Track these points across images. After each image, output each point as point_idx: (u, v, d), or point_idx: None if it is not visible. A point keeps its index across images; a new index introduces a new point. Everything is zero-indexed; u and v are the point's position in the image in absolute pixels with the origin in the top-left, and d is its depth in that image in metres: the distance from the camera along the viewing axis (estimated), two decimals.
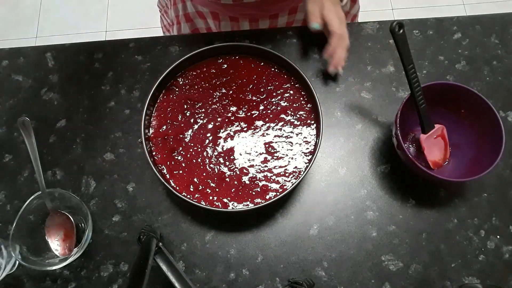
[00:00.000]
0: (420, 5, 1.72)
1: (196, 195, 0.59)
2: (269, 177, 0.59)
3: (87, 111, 0.69)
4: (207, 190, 0.59)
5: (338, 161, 0.65)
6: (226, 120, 0.63)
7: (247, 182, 0.59)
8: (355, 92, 0.69)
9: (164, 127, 0.63)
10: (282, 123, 0.63)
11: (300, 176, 0.58)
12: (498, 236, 0.60)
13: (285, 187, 0.59)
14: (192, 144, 0.62)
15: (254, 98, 0.64)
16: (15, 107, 0.69)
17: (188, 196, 0.58)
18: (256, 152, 0.61)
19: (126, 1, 1.78)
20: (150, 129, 0.62)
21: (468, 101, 0.59)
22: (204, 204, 0.57)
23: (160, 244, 0.55)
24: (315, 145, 0.61)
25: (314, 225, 0.61)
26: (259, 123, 0.63)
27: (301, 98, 0.64)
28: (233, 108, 0.64)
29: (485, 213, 0.61)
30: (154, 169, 0.57)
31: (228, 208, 0.58)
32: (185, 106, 0.64)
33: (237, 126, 0.63)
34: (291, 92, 0.64)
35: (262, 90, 0.65)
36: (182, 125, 0.63)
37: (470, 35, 0.72)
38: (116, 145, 0.66)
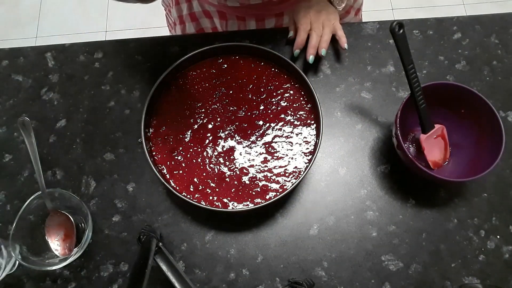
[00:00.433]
0: (420, 5, 1.71)
1: (196, 195, 0.59)
2: (269, 177, 0.59)
3: (87, 111, 0.69)
4: (207, 190, 0.59)
5: (338, 161, 0.65)
6: (226, 120, 0.63)
7: (247, 182, 0.59)
8: (355, 92, 0.69)
9: (164, 127, 0.63)
10: (282, 123, 0.63)
11: (300, 176, 0.58)
12: (498, 236, 0.60)
13: (285, 187, 0.59)
14: (192, 144, 0.62)
15: (254, 98, 0.64)
16: (15, 107, 0.69)
17: (188, 196, 0.58)
18: (256, 152, 0.61)
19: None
20: (150, 129, 0.62)
21: (468, 101, 0.59)
22: (204, 204, 0.57)
23: (160, 244, 0.55)
24: (315, 145, 0.61)
25: (314, 225, 0.61)
26: (259, 123, 0.63)
27: (301, 98, 0.64)
28: (233, 108, 0.64)
29: (485, 213, 0.61)
30: (154, 169, 0.57)
31: (228, 208, 0.58)
32: (185, 106, 0.64)
33: (237, 126, 0.63)
34: (291, 92, 0.64)
35: (262, 90, 0.65)
36: (182, 125, 0.63)
37: (470, 35, 0.72)
38: (116, 145, 0.66)
